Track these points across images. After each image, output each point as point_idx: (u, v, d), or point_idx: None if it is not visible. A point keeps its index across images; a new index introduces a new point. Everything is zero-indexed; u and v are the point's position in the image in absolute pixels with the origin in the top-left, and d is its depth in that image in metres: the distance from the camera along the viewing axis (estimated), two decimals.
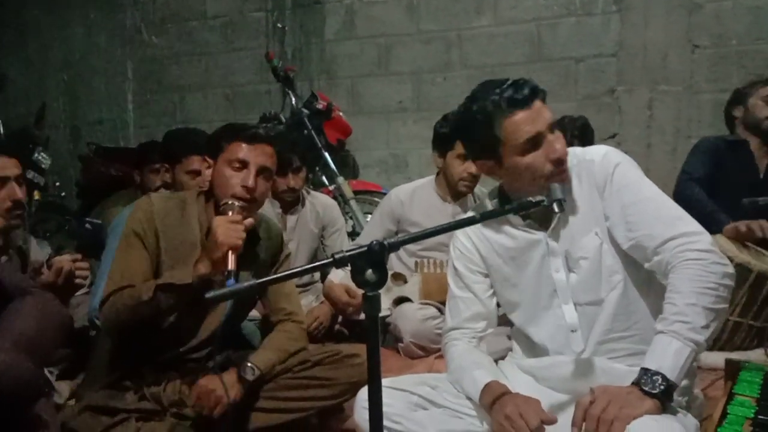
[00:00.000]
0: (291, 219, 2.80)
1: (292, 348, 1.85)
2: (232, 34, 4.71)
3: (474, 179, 2.61)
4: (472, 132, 1.47)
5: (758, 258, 2.34)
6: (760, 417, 1.25)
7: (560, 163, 1.43)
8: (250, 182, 1.70)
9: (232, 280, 1.51)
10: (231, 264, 1.55)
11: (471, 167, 2.57)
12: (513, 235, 1.52)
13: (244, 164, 1.72)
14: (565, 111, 3.32)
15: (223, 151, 1.74)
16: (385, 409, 1.32)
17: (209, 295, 1.04)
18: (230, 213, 1.65)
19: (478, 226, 1.55)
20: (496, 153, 1.44)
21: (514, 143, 1.41)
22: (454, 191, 2.67)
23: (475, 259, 1.58)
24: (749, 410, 1.28)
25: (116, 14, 5.06)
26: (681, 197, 2.74)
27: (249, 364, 1.72)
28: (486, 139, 1.43)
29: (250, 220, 1.66)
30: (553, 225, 1.47)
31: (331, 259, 1.06)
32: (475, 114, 1.43)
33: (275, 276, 1.18)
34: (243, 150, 1.72)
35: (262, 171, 1.73)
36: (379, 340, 1.06)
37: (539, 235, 1.48)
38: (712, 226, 2.41)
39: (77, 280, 1.94)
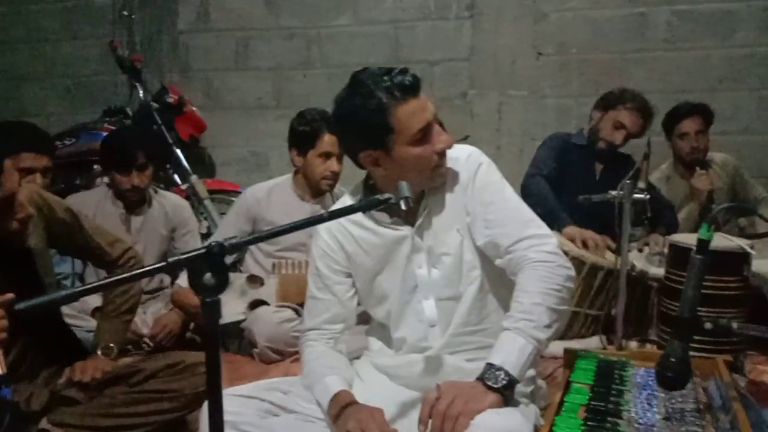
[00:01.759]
0: (136, 220, 2.63)
1: (128, 303, 1.88)
2: (74, 20, 4.35)
3: (336, 177, 2.59)
4: (360, 121, 1.39)
5: (591, 251, 2.53)
6: (592, 403, 1.32)
7: (444, 155, 1.44)
8: (30, 210, 1.50)
9: (6, 389, 1.26)
10: (1, 367, 1.27)
11: (333, 165, 2.54)
12: (378, 231, 1.50)
13: (11, 201, 1.47)
14: None
15: None
16: (233, 417, 1.27)
17: (19, 306, 0.92)
18: None
19: (343, 222, 1.52)
20: (384, 143, 1.40)
21: (407, 132, 1.38)
22: (315, 190, 2.63)
23: (339, 258, 1.55)
24: (584, 397, 1.34)
25: None
26: (527, 191, 2.84)
27: (105, 346, 1.79)
28: (376, 128, 1.38)
29: (10, 295, 1.32)
30: (419, 222, 1.48)
31: (164, 264, 0.97)
32: (364, 101, 1.37)
33: (115, 278, 1.04)
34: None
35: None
36: (219, 349, 0.99)
37: (405, 230, 1.48)
38: (554, 224, 2.57)
39: None
